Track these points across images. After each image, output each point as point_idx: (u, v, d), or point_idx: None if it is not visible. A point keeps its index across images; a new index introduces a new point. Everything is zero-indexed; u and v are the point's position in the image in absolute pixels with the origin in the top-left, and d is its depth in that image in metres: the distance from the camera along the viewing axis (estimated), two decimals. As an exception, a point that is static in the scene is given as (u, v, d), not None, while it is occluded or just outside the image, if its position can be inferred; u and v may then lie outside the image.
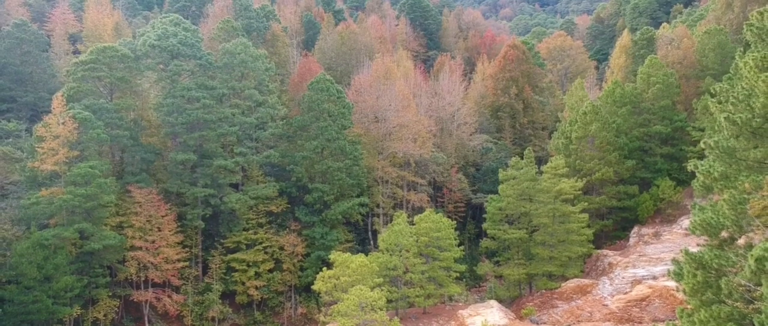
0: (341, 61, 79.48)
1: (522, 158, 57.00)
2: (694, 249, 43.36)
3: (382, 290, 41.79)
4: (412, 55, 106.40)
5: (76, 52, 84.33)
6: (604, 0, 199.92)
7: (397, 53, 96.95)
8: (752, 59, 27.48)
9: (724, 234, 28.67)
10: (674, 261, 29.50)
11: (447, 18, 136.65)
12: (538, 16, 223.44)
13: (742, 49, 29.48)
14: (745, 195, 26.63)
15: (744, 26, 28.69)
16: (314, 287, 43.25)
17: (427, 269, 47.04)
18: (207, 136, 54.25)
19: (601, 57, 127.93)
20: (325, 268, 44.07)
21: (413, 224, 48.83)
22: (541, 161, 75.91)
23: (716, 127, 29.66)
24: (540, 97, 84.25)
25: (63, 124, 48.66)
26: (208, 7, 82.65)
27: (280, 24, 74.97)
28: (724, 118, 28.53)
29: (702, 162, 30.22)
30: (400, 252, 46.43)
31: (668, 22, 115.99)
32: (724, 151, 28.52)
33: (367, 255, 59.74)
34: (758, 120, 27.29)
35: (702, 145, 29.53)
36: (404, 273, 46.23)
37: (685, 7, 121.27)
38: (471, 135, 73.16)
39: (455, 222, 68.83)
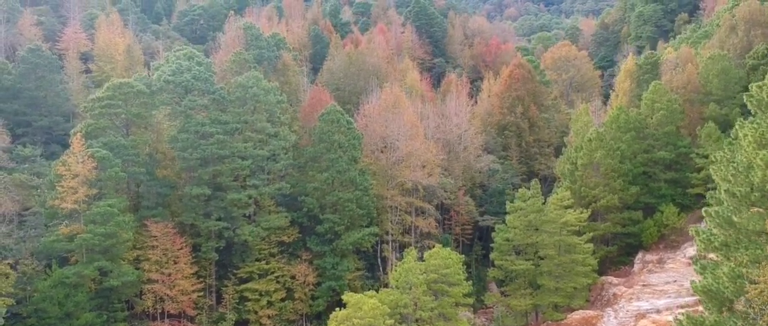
0: (349, 82, 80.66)
1: (529, 180, 58.15)
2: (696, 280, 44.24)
3: (393, 330, 43.30)
4: (417, 63, 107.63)
5: (88, 71, 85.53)
6: (610, 0, 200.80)
7: (403, 62, 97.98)
8: (752, 134, 28.59)
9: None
10: (677, 320, 30.95)
11: (452, 24, 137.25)
12: (543, 16, 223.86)
13: (741, 120, 30.38)
14: (743, 269, 27.86)
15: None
16: (328, 328, 44.68)
17: (436, 306, 48.37)
18: (220, 170, 55.56)
19: (606, 64, 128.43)
20: (337, 308, 45.44)
21: (423, 259, 50.14)
22: (546, 179, 77.32)
23: (717, 191, 30.81)
24: (545, 115, 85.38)
25: (82, 162, 50.03)
26: (218, 35, 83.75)
27: (290, 51, 76.01)
28: (725, 190, 29.80)
29: (703, 228, 31.50)
30: (410, 289, 47.75)
31: (673, 34, 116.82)
32: (724, 220, 29.74)
33: (376, 281, 61.59)
34: (756, 194, 28.53)
35: (703, 213, 30.86)
36: (414, 310, 47.54)
37: (691, 15, 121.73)
38: (478, 156, 74.28)
39: (462, 243, 71.23)
